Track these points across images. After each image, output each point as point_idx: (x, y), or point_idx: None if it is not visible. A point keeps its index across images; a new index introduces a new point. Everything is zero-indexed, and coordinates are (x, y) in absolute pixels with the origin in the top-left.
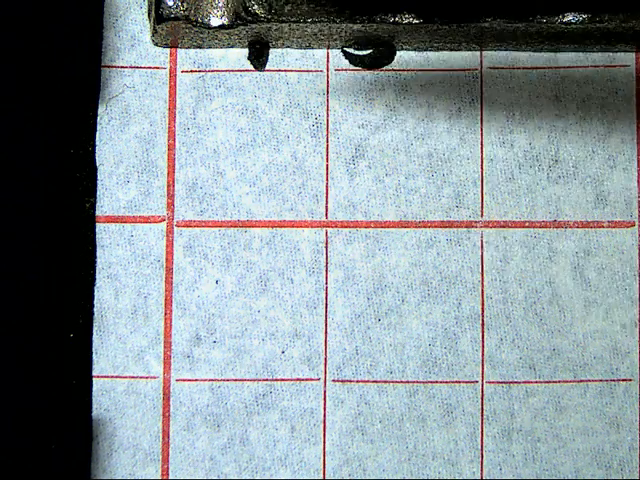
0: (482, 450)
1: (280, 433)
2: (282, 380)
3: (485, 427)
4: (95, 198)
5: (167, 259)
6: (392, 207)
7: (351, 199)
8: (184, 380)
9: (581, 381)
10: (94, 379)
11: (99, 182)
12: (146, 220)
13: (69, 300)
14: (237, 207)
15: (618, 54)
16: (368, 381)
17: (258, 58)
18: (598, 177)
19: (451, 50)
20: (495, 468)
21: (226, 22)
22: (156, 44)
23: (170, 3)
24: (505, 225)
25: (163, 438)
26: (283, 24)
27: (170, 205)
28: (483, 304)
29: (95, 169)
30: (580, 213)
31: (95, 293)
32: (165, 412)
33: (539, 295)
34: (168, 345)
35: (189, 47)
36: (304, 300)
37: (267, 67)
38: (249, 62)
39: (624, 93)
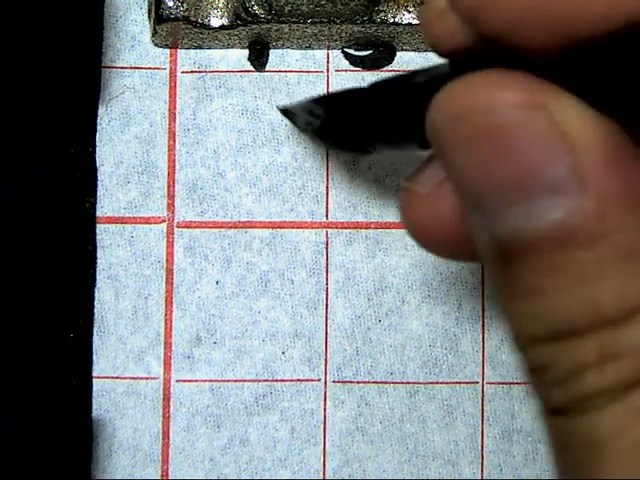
0: (482, 451)
1: (280, 434)
2: (282, 381)
3: (485, 428)
4: (95, 199)
5: (167, 260)
6: (392, 208)
7: (351, 200)
8: (184, 381)
9: None
10: (94, 380)
11: (99, 183)
12: (146, 221)
13: (69, 300)
14: (237, 208)
15: None
16: (368, 382)
17: (258, 59)
18: None
19: None
20: (495, 469)
21: (226, 23)
22: (156, 45)
23: (170, 4)
24: None
25: (163, 439)
26: (283, 25)
27: (170, 206)
28: (483, 305)
29: (95, 169)
30: None
31: (95, 294)
32: (165, 413)
33: None
34: (168, 346)
35: (189, 48)
36: (304, 301)
37: (267, 68)
38: (249, 63)
39: None
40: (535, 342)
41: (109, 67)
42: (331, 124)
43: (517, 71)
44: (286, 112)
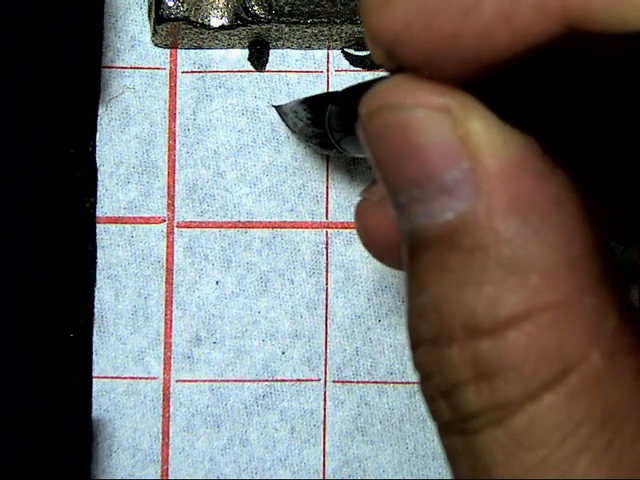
0: None
1: (280, 434)
2: (282, 381)
3: None
4: (95, 199)
5: (167, 260)
6: None
7: (351, 200)
8: (184, 381)
9: None
10: (94, 380)
11: (99, 183)
12: (146, 221)
13: (69, 300)
14: (237, 208)
15: None
16: (368, 382)
17: (258, 59)
18: None
19: None
20: None
21: (226, 23)
22: (156, 45)
23: (170, 4)
24: None
25: (163, 439)
26: (283, 25)
27: (170, 206)
28: None
29: (95, 169)
30: None
31: (95, 294)
32: (165, 413)
33: None
34: (168, 346)
35: (189, 48)
36: (304, 301)
37: (267, 68)
38: (249, 63)
39: None
40: (420, 343)
41: (109, 67)
42: (311, 125)
43: (433, 77)
44: (279, 111)
